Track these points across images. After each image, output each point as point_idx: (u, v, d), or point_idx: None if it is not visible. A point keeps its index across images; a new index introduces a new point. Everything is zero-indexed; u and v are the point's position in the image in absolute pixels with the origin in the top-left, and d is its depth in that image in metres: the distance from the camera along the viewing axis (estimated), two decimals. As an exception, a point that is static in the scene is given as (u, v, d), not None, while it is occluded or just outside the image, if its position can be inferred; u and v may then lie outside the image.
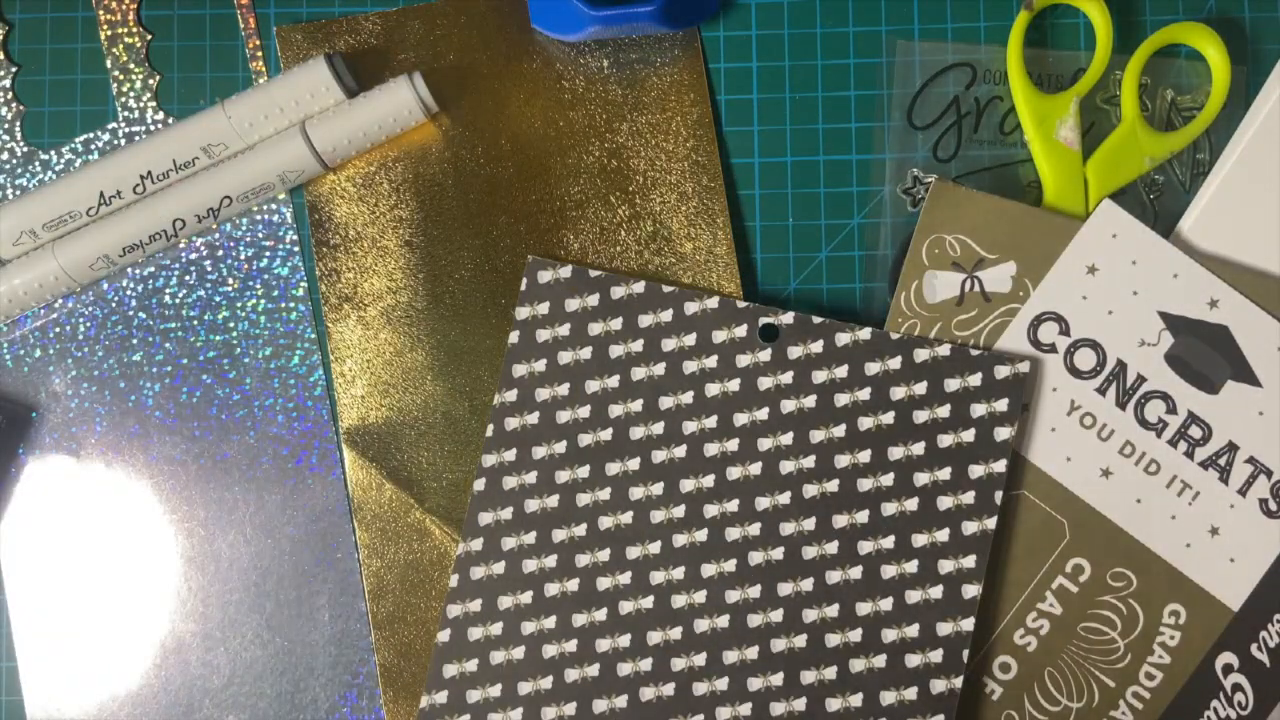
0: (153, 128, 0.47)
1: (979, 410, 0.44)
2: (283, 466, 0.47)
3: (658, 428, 0.45)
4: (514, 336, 0.46)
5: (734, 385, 0.45)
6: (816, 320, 0.45)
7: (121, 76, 0.47)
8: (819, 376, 0.45)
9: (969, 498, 0.44)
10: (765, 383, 0.45)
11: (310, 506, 0.47)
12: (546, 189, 0.47)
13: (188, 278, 0.47)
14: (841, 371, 0.45)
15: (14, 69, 0.47)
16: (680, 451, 0.45)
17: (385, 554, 0.46)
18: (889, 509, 0.44)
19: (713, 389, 0.45)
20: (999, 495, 0.44)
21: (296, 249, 0.47)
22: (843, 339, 0.45)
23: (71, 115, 0.47)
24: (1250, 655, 0.44)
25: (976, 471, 0.44)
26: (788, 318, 0.45)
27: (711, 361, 0.45)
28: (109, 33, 0.47)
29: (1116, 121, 0.47)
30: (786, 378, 0.45)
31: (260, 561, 0.47)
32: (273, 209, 0.47)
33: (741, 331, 0.45)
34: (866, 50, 0.47)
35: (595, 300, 0.46)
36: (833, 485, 0.44)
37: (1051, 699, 0.45)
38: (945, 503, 0.44)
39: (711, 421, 0.45)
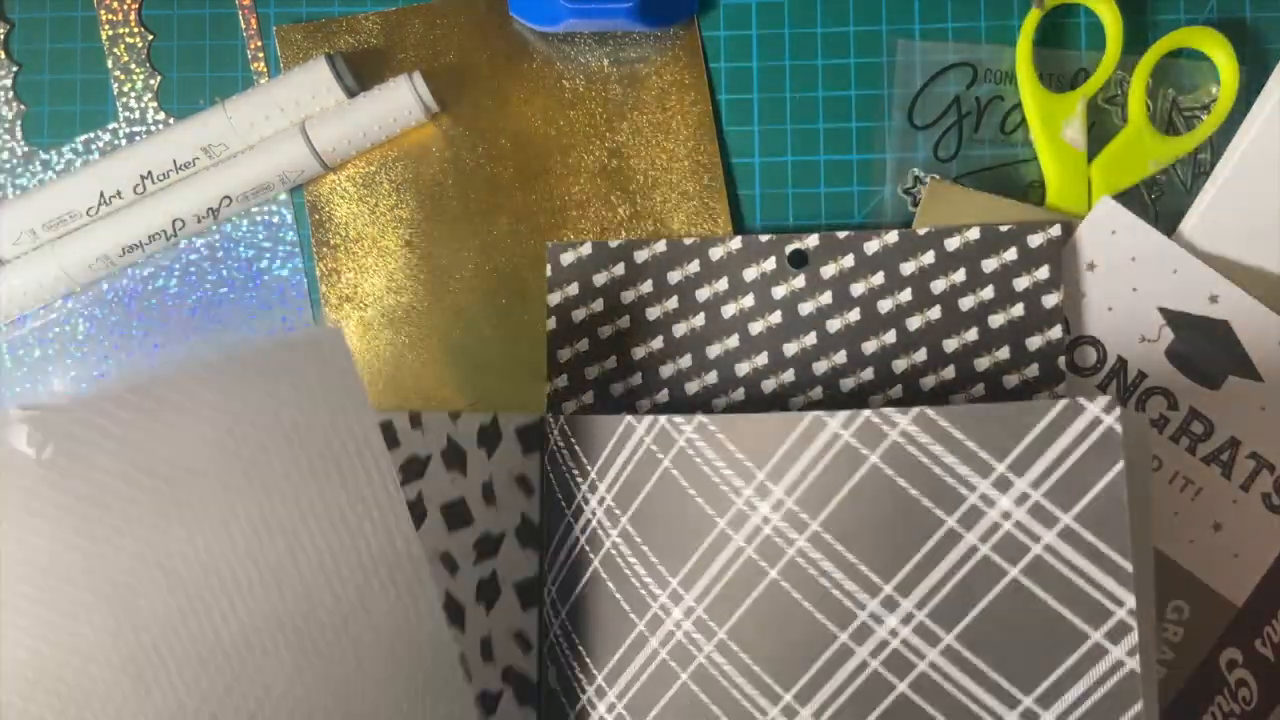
0: (153, 128, 0.47)
1: (1022, 283, 0.44)
2: (282, 467, 0.47)
3: (711, 377, 0.45)
4: (550, 323, 0.46)
5: (776, 318, 0.45)
6: (842, 235, 0.45)
7: (122, 76, 0.47)
8: (857, 289, 0.45)
9: (1034, 370, 0.44)
10: (806, 308, 0.45)
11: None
12: (547, 189, 0.47)
13: (188, 278, 0.47)
14: (878, 279, 0.45)
15: (14, 68, 0.48)
16: (739, 395, 0.45)
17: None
18: (956, 400, 0.44)
19: (756, 327, 0.45)
20: (1062, 360, 0.44)
21: (296, 249, 0.47)
22: (872, 247, 0.45)
23: (72, 115, 0.48)
24: (1254, 651, 0.44)
25: (1035, 343, 0.44)
26: (813, 240, 0.45)
27: (748, 300, 0.45)
28: (110, 32, 0.47)
29: (1119, 121, 0.47)
30: (825, 298, 0.45)
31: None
32: (273, 209, 0.47)
33: (770, 264, 0.45)
34: (867, 50, 0.47)
35: (621, 269, 0.46)
36: (896, 391, 0.44)
37: (1054, 697, 0.45)
38: (1011, 381, 0.44)
39: (763, 359, 0.45)
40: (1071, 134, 0.46)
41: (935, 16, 0.47)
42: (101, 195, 0.45)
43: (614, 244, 0.46)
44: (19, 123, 0.47)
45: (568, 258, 0.46)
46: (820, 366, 0.45)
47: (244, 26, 0.48)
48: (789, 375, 0.45)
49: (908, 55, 0.47)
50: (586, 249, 0.46)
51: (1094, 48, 0.47)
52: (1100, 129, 0.47)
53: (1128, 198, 0.46)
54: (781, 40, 0.48)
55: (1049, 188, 0.46)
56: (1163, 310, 0.45)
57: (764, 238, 0.45)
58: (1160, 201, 0.47)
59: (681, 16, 0.47)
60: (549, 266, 0.46)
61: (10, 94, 0.48)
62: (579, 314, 0.46)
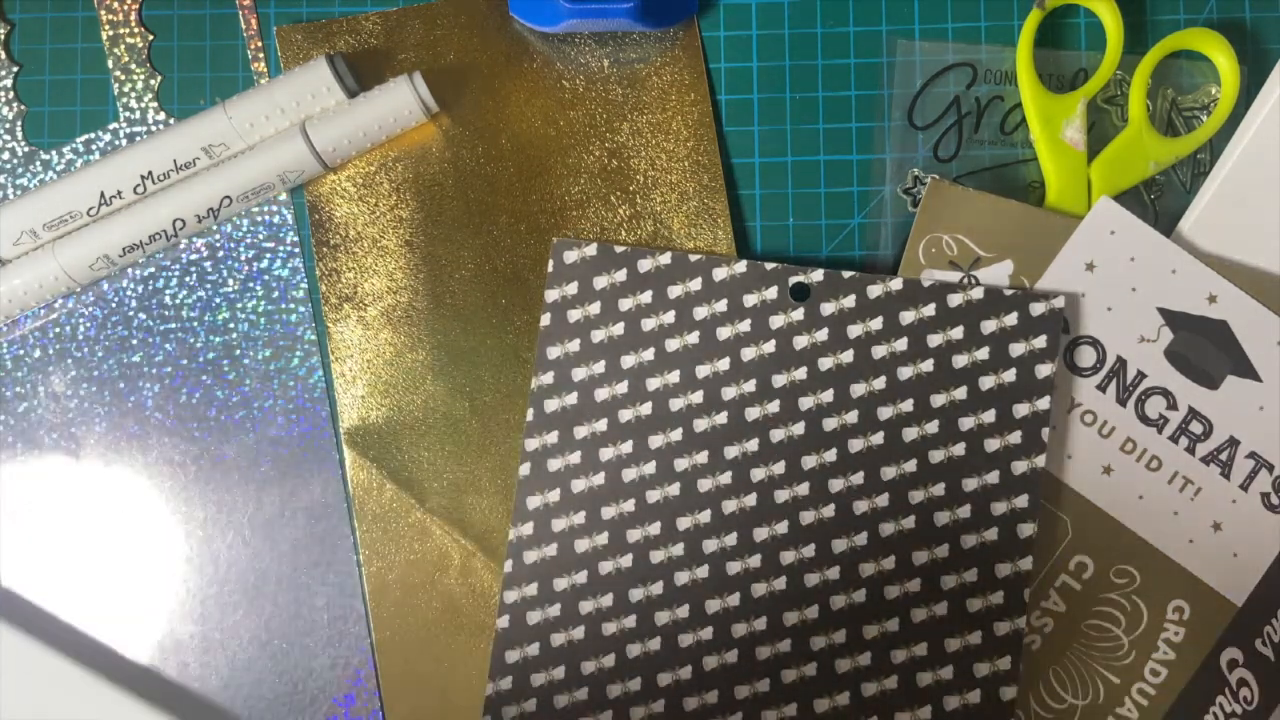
0: (153, 128, 0.47)
1: (1018, 349, 0.44)
2: (282, 468, 0.47)
3: (697, 397, 0.45)
4: (545, 319, 0.46)
5: (769, 347, 0.45)
6: (847, 275, 0.45)
7: (123, 76, 0.47)
8: (854, 331, 0.45)
9: (1016, 437, 0.44)
10: (801, 342, 0.45)
11: (310, 508, 0.47)
12: (547, 189, 0.47)
13: (188, 278, 0.47)
14: (876, 324, 0.45)
15: (15, 69, 0.48)
16: (722, 419, 0.45)
17: (385, 554, 0.46)
18: (936, 456, 0.44)
19: (748, 353, 0.45)
20: (1045, 432, 0.44)
21: (297, 249, 0.47)
22: (874, 291, 0.45)
23: (72, 115, 0.47)
24: (1255, 650, 0.44)
25: (1021, 410, 0.44)
26: (817, 275, 0.45)
27: (745, 326, 0.45)
28: (110, 33, 0.47)
29: (1118, 121, 0.47)
30: (821, 335, 0.45)
31: (259, 563, 0.46)
32: (273, 209, 0.47)
33: (772, 293, 0.45)
34: (867, 50, 0.47)
35: (623, 275, 0.46)
36: (878, 438, 0.44)
37: (1057, 697, 0.45)
38: (992, 444, 0.44)
39: (750, 386, 0.45)
40: (1071, 134, 0.46)
41: (935, 16, 0.47)
42: (102, 195, 0.45)
43: (619, 249, 0.46)
44: (19, 123, 0.47)
45: (571, 256, 0.46)
46: (806, 402, 0.45)
47: (244, 26, 0.48)
48: (774, 406, 0.45)
49: (908, 55, 0.47)
50: (591, 250, 0.46)
51: (1094, 48, 0.47)
52: (1100, 129, 0.47)
53: (1127, 198, 0.46)
54: (781, 40, 0.48)
55: (1049, 188, 0.46)
56: (1162, 310, 0.45)
57: (769, 265, 0.45)
58: (1160, 201, 0.47)
59: (681, 16, 0.47)
60: (551, 262, 0.46)
61: (10, 94, 0.47)
62: (574, 314, 0.46)
